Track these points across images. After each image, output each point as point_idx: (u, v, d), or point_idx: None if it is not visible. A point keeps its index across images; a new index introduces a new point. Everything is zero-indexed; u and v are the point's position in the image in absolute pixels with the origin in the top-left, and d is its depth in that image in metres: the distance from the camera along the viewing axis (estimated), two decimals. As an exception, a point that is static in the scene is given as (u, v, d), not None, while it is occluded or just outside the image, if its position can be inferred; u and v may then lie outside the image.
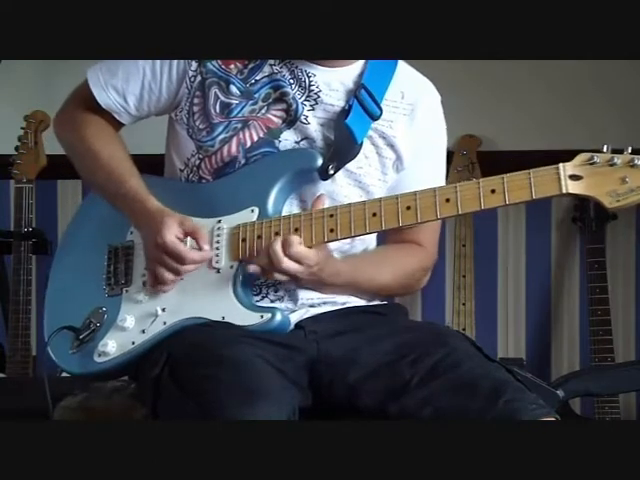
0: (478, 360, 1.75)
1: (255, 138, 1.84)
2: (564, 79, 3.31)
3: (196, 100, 1.86)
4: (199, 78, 1.85)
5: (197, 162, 1.87)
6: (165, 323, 1.80)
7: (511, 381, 1.70)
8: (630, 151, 1.65)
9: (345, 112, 1.84)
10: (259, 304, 1.82)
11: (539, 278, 3.40)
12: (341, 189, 1.85)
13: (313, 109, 1.84)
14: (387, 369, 1.73)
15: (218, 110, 1.84)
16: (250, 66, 1.85)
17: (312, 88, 1.85)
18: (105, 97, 1.90)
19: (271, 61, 1.85)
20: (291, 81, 1.85)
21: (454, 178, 3.17)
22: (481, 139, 3.31)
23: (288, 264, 1.73)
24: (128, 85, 1.89)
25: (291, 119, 1.84)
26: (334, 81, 1.86)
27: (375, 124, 1.86)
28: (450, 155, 3.22)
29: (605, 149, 1.66)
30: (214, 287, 1.79)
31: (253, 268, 1.76)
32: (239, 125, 1.84)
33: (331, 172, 1.82)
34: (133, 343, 1.81)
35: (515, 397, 1.65)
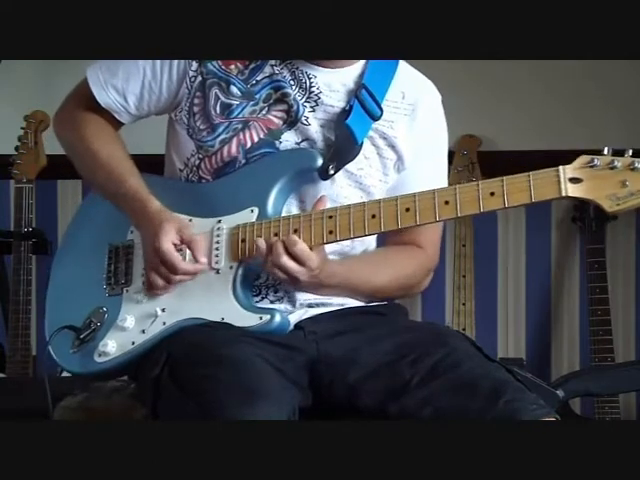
0: (478, 360, 1.74)
1: (255, 139, 1.84)
2: (564, 79, 3.31)
3: (196, 100, 1.86)
4: (199, 79, 1.85)
5: (197, 162, 1.87)
6: (165, 323, 1.80)
7: (511, 381, 1.70)
8: (631, 153, 1.64)
9: (346, 112, 1.83)
10: (258, 305, 1.82)
11: (539, 278, 3.40)
12: (341, 190, 1.85)
13: (314, 110, 1.84)
14: (387, 369, 1.73)
15: (218, 111, 1.84)
16: (251, 67, 1.85)
17: (313, 89, 1.85)
18: (105, 96, 1.90)
19: (272, 62, 1.85)
20: (292, 82, 1.85)
21: (454, 178, 3.18)
22: (481, 139, 3.31)
23: (287, 261, 1.72)
24: (128, 84, 1.89)
25: (292, 120, 1.84)
26: (335, 82, 1.86)
27: (376, 125, 1.86)
28: (450, 155, 3.20)
29: (606, 151, 1.65)
30: (213, 288, 1.79)
31: (261, 244, 1.75)
32: (239, 126, 1.84)
33: (331, 172, 1.82)
34: (133, 343, 1.81)
35: (515, 397, 1.65)
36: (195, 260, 1.78)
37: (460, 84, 3.21)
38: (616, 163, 1.63)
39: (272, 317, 1.75)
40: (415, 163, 1.89)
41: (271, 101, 1.84)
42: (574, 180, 1.65)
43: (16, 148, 3.26)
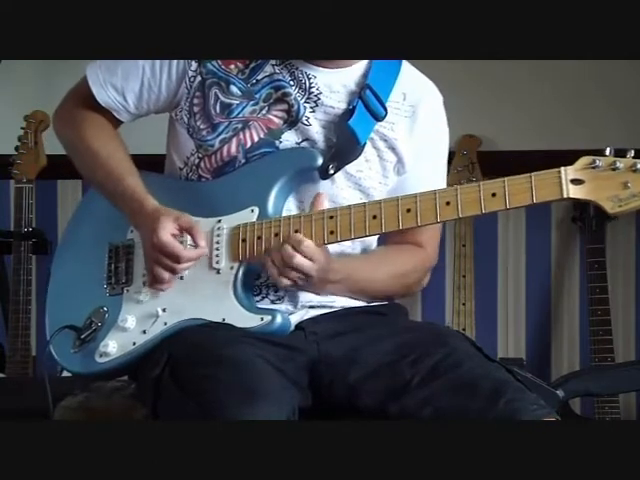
0: (478, 360, 1.74)
1: (255, 138, 1.84)
2: (564, 79, 3.31)
3: (196, 100, 1.86)
4: (199, 78, 1.85)
5: (196, 161, 1.87)
6: (166, 324, 1.80)
7: (511, 381, 1.70)
8: (633, 154, 1.64)
9: (348, 113, 1.83)
10: (259, 305, 1.81)
11: (539, 278, 3.40)
12: (341, 191, 1.85)
13: (314, 111, 1.84)
14: (387, 369, 1.73)
15: (218, 110, 1.84)
16: (251, 66, 1.85)
17: (312, 90, 1.84)
18: (104, 95, 1.90)
19: (272, 61, 1.85)
20: (291, 83, 1.84)
21: (454, 178, 3.18)
22: (481, 139, 3.31)
23: (300, 260, 1.72)
24: (127, 83, 1.89)
25: (292, 120, 1.84)
26: (335, 83, 1.86)
27: (377, 126, 1.85)
28: (450, 155, 3.20)
29: (607, 152, 1.65)
30: (214, 288, 1.79)
31: (268, 264, 1.74)
32: (239, 125, 1.84)
33: (331, 172, 1.81)
34: (134, 344, 1.81)
35: (515, 397, 1.65)
36: (195, 245, 1.78)
37: (460, 84, 3.21)
38: (618, 164, 1.63)
39: (273, 318, 1.75)
40: (415, 166, 1.89)
41: (271, 101, 1.84)
42: (576, 181, 1.65)
43: (16, 148, 3.26)
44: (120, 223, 1.88)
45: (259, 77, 1.85)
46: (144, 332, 1.81)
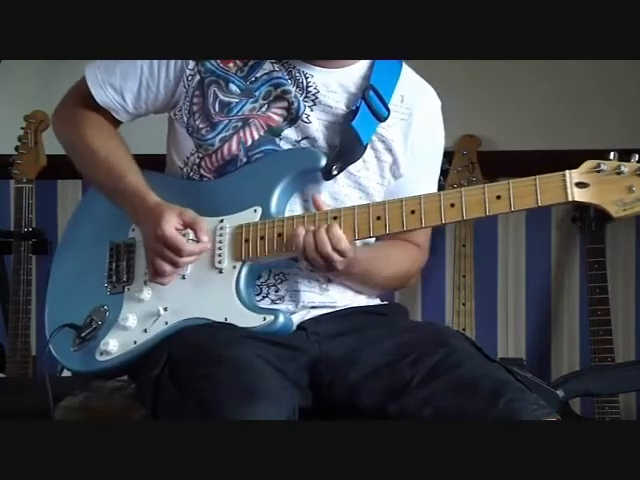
0: (478, 360, 1.75)
1: (256, 136, 1.84)
2: (564, 79, 3.31)
3: (195, 99, 1.86)
4: (197, 77, 1.85)
5: (197, 160, 1.87)
6: (167, 323, 1.80)
7: (511, 381, 1.70)
8: (637, 158, 1.64)
9: (352, 113, 1.83)
10: (260, 304, 1.81)
11: (539, 278, 3.39)
12: (342, 189, 1.85)
13: (312, 109, 1.84)
14: (387, 369, 1.73)
15: (217, 109, 1.84)
16: (250, 64, 1.85)
17: (310, 89, 1.84)
18: (103, 95, 1.90)
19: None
20: (289, 81, 1.84)
21: (454, 178, 3.18)
22: (481, 139, 3.30)
23: (332, 252, 1.71)
24: (126, 83, 1.89)
25: (292, 117, 1.84)
26: (332, 82, 1.86)
27: (377, 127, 1.85)
28: (450, 155, 3.22)
29: (612, 156, 1.65)
30: (216, 288, 1.79)
31: (300, 232, 1.73)
32: (239, 123, 1.84)
33: (334, 172, 1.81)
34: (135, 342, 1.81)
35: (516, 397, 1.65)
36: (198, 240, 1.78)
37: (460, 84, 3.21)
38: (623, 168, 1.63)
39: (276, 318, 1.75)
40: (409, 170, 1.89)
41: (271, 98, 1.84)
42: (580, 185, 1.65)
43: (16, 148, 3.26)
44: (121, 222, 1.88)
45: (258, 75, 1.85)
46: (145, 331, 1.81)
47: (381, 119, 1.84)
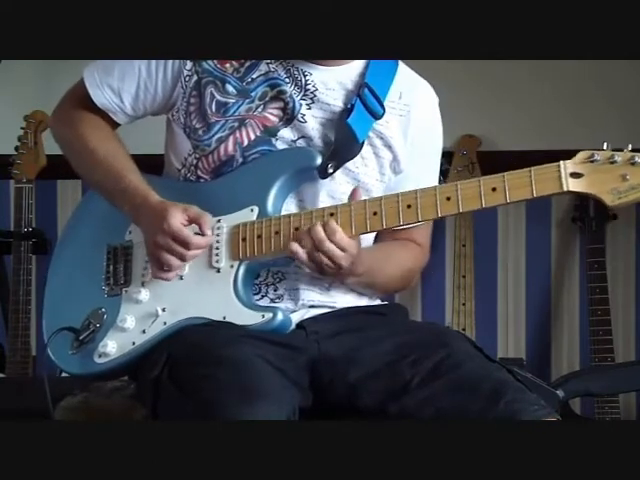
0: (479, 361, 1.74)
1: (252, 137, 1.84)
2: (564, 79, 3.31)
3: (192, 100, 1.86)
4: (195, 78, 1.85)
5: (194, 161, 1.87)
6: (165, 323, 1.80)
7: (512, 382, 1.70)
8: (630, 149, 1.66)
9: (347, 111, 1.83)
10: (259, 303, 1.81)
11: (539, 278, 3.40)
12: (340, 186, 1.85)
13: (310, 108, 1.84)
14: (387, 369, 1.73)
15: (214, 109, 1.84)
16: (246, 64, 1.85)
17: (308, 87, 1.85)
18: (101, 96, 1.90)
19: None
20: (287, 80, 1.84)
21: (454, 178, 3.18)
22: (481, 139, 3.31)
23: (331, 246, 1.71)
24: (124, 84, 1.89)
25: (288, 117, 1.84)
26: (331, 80, 1.86)
27: (373, 124, 1.85)
28: (450, 155, 3.23)
29: (605, 147, 1.67)
30: (215, 287, 1.79)
31: (295, 247, 1.73)
32: (236, 124, 1.84)
33: (330, 171, 1.82)
34: (133, 343, 1.81)
35: (516, 398, 1.65)
36: (203, 234, 1.78)
37: (460, 84, 3.21)
38: (616, 158, 1.65)
39: (274, 315, 1.75)
40: (409, 166, 1.89)
41: (267, 99, 1.84)
42: (575, 175, 1.66)
43: (16, 148, 3.26)
44: (118, 224, 1.88)
45: (254, 76, 1.85)
46: (143, 332, 1.81)
47: (376, 117, 1.85)
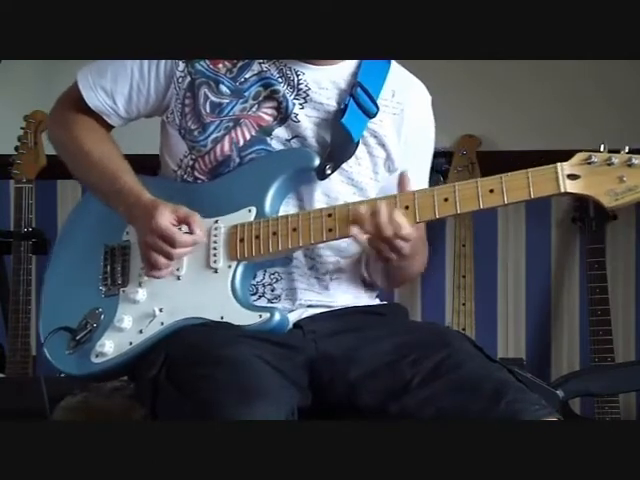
0: (480, 361, 1.74)
1: (247, 136, 1.84)
2: (564, 79, 3.31)
3: (187, 101, 1.86)
4: (188, 79, 1.85)
5: (190, 162, 1.87)
6: (163, 323, 1.80)
7: (513, 382, 1.70)
8: (627, 150, 1.66)
9: (341, 111, 1.83)
10: (257, 304, 1.81)
11: (539, 278, 3.40)
12: (335, 186, 1.85)
13: (303, 107, 1.84)
14: (387, 369, 1.73)
15: (208, 110, 1.84)
16: (239, 65, 1.85)
17: (301, 87, 1.85)
18: (94, 99, 1.90)
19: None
20: (280, 79, 1.85)
21: (454, 178, 3.17)
22: (481, 139, 3.31)
23: (399, 242, 1.70)
24: (116, 86, 1.89)
25: (282, 117, 1.84)
26: (324, 79, 1.86)
27: (367, 123, 1.85)
28: (450, 155, 3.23)
29: (602, 148, 1.67)
30: (212, 287, 1.79)
31: (355, 231, 1.71)
32: (231, 124, 1.84)
33: (328, 172, 1.82)
34: (130, 344, 1.81)
35: (517, 398, 1.65)
36: (192, 233, 1.78)
37: (460, 84, 3.21)
38: (613, 159, 1.66)
39: (272, 315, 1.75)
40: (404, 164, 1.89)
41: (261, 98, 1.84)
42: (572, 176, 1.67)
43: (16, 148, 3.26)
44: (116, 225, 1.88)
45: (247, 76, 1.85)
46: (140, 332, 1.81)
47: (370, 115, 1.85)
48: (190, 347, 1.70)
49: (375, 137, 1.87)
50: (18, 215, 3.23)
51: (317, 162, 1.81)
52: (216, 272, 1.80)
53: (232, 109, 1.84)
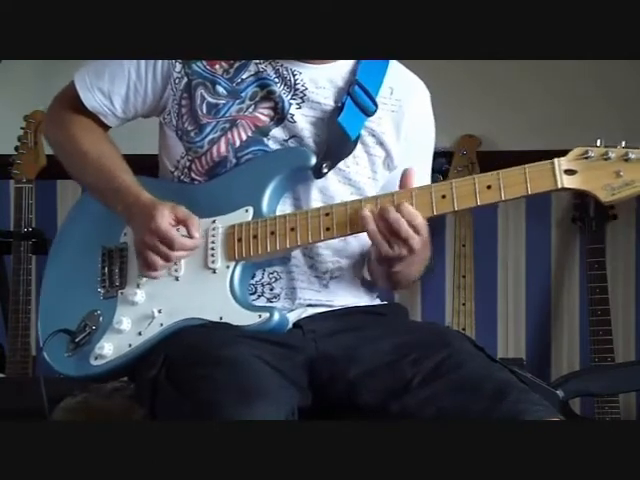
0: (481, 361, 1.74)
1: (244, 137, 1.84)
2: (564, 79, 3.31)
3: (184, 102, 1.86)
4: (185, 80, 1.85)
5: (187, 163, 1.87)
6: (162, 325, 1.79)
7: (514, 382, 1.70)
8: (623, 145, 1.66)
9: (338, 110, 1.83)
10: (256, 303, 1.81)
11: (539, 278, 3.40)
12: (332, 185, 1.85)
13: (300, 107, 1.84)
14: (388, 368, 1.73)
15: (205, 111, 1.84)
16: (236, 65, 1.85)
17: (298, 86, 1.85)
18: (91, 99, 1.91)
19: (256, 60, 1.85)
20: (276, 80, 1.84)
21: (454, 178, 3.17)
22: (481, 139, 3.31)
23: (408, 229, 1.69)
24: (114, 86, 1.89)
25: (279, 117, 1.84)
26: (321, 78, 1.86)
27: (365, 121, 1.85)
28: (450, 155, 3.23)
29: (599, 143, 1.67)
30: (211, 287, 1.79)
31: (368, 219, 1.70)
32: (227, 125, 1.84)
33: (325, 171, 1.82)
34: (130, 345, 1.81)
35: (520, 398, 1.65)
36: (190, 237, 1.78)
37: (460, 84, 3.21)
38: (610, 154, 1.66)
39: (271, 315, 1.75)
40: (404, 161, 1.89)
41: (257, 99, 1.84)
42: (569, 172, 1.67)
43: (16, 148, 3.26)
44: (113, 226, 1.88)
45: (244, 76, 1.85)
46: (140, 334, 1.80)
47: (368, 113, 1.85)
48: (189, 348, 1.70)
49: (373, 136, 1.87)
50: (18, 215, 3.24)
51: (313, 161, 1.81)
52: (214, 272, 1.80)
53: (229, 110, 1.84)
